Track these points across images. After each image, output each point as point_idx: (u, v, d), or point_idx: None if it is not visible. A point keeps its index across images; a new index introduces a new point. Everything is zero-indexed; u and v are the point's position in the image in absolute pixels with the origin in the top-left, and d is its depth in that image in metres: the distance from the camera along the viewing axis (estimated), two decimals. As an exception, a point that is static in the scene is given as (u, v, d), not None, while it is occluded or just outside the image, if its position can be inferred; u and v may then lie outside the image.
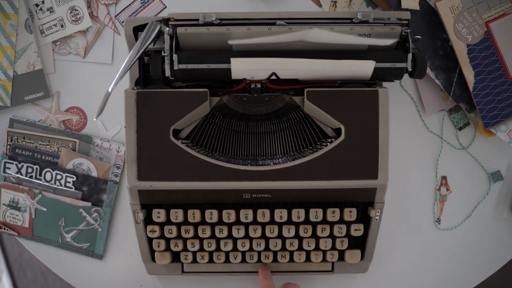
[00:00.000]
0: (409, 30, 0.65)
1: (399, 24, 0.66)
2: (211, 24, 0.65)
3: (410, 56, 0.64)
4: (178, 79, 0.66)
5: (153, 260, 0.72)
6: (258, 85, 0.66)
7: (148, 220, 0.69)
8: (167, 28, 0.64)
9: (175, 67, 0.64)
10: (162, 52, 0.64)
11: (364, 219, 0.70)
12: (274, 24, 0.65)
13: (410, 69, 0.65)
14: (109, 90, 0.61)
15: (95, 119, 0.61)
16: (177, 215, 0.68)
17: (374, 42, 0.64)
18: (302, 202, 0.68)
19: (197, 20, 0.65)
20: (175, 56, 0.64)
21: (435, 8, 0.72)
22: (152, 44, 0.65)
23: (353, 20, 0.66)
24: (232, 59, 0.62)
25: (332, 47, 0.64)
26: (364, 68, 0.63)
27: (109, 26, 0.77)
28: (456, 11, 0.72)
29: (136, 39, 0.67)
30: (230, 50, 0.66)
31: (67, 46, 0.78)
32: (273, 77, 0.65)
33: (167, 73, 0.64)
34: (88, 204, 0.77)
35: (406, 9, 0.72)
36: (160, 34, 0.64)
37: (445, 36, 0.74)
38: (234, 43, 0.63)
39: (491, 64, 0.72)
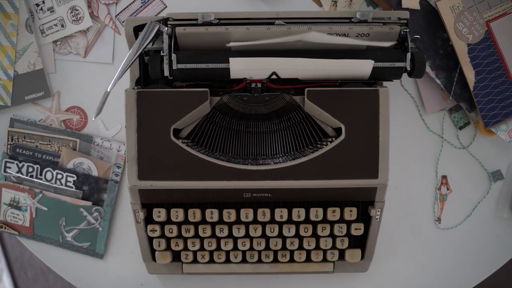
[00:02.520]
0: (408, 30, 0.65)
1: (398, 23, 0.66)
2: (209, 24, 0.65)
3: (409, 55, 0.64)
4: (177, 79, 0.66)
5: (154, 259, 0.72)
6: (259, 85, 0.66)
7: (148, 220, 0.69)
8: (166, 28, 0.64)
9: (174, 67, 0.64)
10: (161, 52, 0.64)
11: (365, 218, 0.70)
12: (273, 23, 0.65)
13: (409, 69, 0.65)
14: (108, 90, 0.61)
15: (93, 119, 0.62)
16: (177, 214, 0.68)
17: (372, 45, 0.64)
18: (302, 201, 0.68)
19: (196, 20, 0.65)
20: (173, 56, 0.64)
21: (436, 7, 0.72)
22: (151, 44, 0.65)
23: (352, 19, 0.66)
24: (231, 59, 0.62)
25: (331, 46, 0.64)
26: (363, 67, 0.63)
27: (110, 26, 0.77)
28: (457, 11, 0.72)
29: (137, 38, 0.67)
30: (229, 49, 0.66)
31: (67, 45, 0.78)
32: (274, 76, 0.65)
33: (166, 72, 0.64)
34: (89, 203, 0.77)
35: (407, 9, 0.72)
36: (159, 34, 0.64)
37: (445, 36, 0.74)
38: (233, 46, 0.63)
39: (492, 64, 0.72)
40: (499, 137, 0.76)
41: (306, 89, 0.65)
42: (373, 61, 0.62)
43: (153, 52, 0.66)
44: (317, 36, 0.61)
